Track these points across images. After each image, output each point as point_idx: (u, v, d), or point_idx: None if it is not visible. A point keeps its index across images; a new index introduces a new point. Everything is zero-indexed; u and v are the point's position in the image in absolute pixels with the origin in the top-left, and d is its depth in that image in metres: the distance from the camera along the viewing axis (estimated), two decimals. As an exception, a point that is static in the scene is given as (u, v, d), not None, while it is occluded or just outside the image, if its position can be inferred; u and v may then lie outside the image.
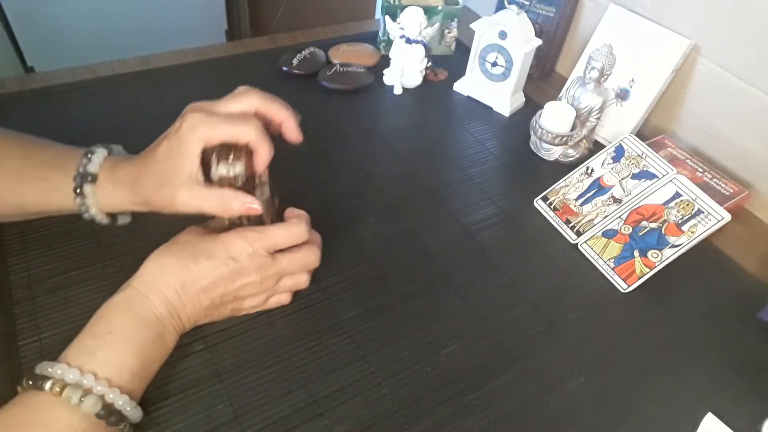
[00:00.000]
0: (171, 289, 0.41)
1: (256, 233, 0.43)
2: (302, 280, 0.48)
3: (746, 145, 0.67)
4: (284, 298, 0.49)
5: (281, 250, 0.45)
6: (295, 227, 0.45)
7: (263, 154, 0.43)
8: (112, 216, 0.51)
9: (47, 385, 0.35)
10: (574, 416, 0.46)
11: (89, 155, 0.47)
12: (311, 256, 0.47)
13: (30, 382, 0.36)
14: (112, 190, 0.47)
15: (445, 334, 0.50)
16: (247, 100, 0.44)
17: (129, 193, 0.46)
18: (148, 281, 0.41)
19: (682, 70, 0.70)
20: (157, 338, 0.40)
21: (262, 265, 0.44)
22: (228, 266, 0.42)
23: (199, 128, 0.41)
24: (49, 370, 0.36)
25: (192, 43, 0.86)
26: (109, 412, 0.36)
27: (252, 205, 0.42)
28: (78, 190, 0.46)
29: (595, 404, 0.47)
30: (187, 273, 0.41)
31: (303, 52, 0.81)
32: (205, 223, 0.46)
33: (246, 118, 0.42)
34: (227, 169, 0.42)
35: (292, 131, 0.46)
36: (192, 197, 0.42)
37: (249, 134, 0.41)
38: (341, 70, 0.79)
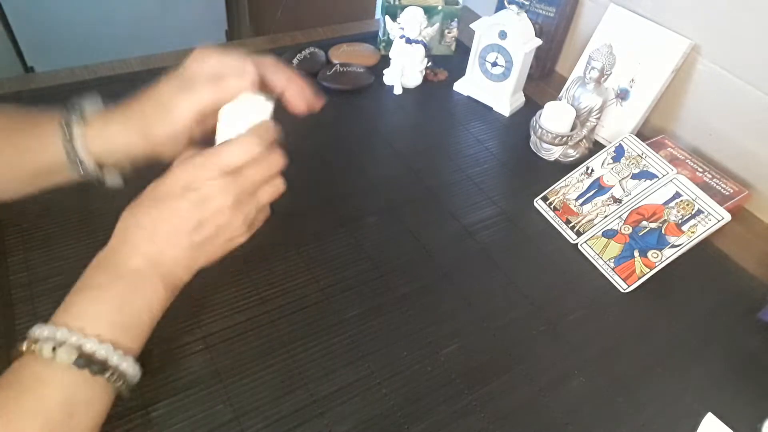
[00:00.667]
0: (141, 239, 0.40)
1: (204, 157, 0.40)
2: (278, 183, 0.44)
3: (746, 145, 0.67)
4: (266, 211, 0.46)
5: None
6: (247, 138, 0.41)
7: (281, 80, 0.43)
8: (102, 170, 0.47)
9: (24, 346, 0.35)
10: (574, 416, 0.46)
11: (82, 99, 0.46)
12: (274, 156, 0.43)
13: (16, 350, 0.35)
14: (101, 127, 0.44)
15: (445, 334, 0.50)
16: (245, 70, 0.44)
17: (121, 128, 0.44)
18: (120, 237, 0.40)
19: (682, 70, 0.70)
20: (136, 290, 0.39)
21: (226, 185, 0.40)
22: (187, 198, 0.39)
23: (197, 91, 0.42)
24: (28, 333, 0.36)
25: (192, 43, 0.85)
26: (89, 362, 0.35)
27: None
28: (66, 128, 0.44)
29: (595, 404, 0.47)
30: (152, 219, 0.40)
31: (303, 52, 0.81)
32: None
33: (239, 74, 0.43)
34: None
35: (294, 99, 0.43)
36: (193, 95, 0.42)
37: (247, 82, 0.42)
38: (341, 70, 0.79)
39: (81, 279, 0.39)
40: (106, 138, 0.45)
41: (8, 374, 0.35)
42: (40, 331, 0.36)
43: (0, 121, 0.46)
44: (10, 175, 0.46)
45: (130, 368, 0.37)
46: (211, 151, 0.41)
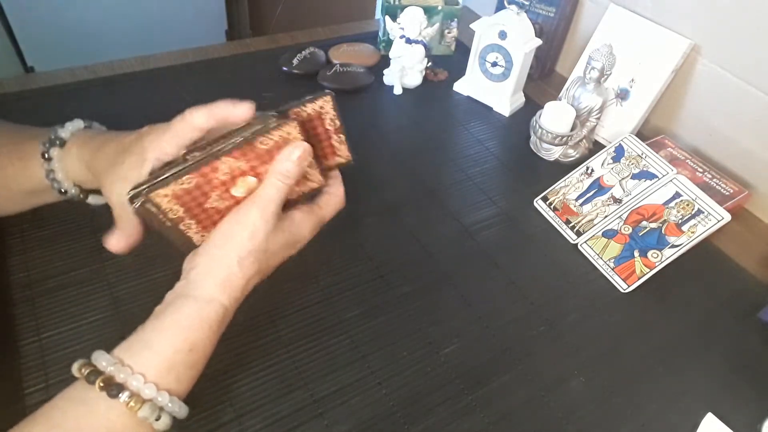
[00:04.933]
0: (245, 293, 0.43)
1: (316, 218, 0.47)
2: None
3: (746, 145, 0.67)
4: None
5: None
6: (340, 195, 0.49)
7: (223, 109, 0.42)
8: (84, 192, 0.48)
9: (80, 369, 0.35)
10: (574, 416, 0.46)
11: (64, 124, 0.46)
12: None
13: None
14: (76, 153, 0.45)
15: (445, 334, 0.50)
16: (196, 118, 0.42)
17: (86, 163, 0.45)
18: (237, 297, 0.41)
19: (682, 70, 0.70)
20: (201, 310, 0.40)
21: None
22: (295, 248, 0.46)
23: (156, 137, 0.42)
24: (91, 358, 0.36)
25: (192, 43, 0.86)
26: (135, 399, 0.35)
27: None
28: (46, 155, 0.45)
29: (595, 404, 0.47)
30: (258, 278, 0.43)
31: (303, 52, 0.81)
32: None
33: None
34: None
35: (233, 110, 0.43)
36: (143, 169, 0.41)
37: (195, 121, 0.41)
38: (341, 70, 0.79)
39: (187, 336, 0.38)
40: (77, 165, 0.46)
41: (63, 396, 0.35)
42: (99, 360, 0.35)
43: None
44: (2, 195, 0.48)
45: (176, 407, 0.37)
46: (320, 212, 0.47)
